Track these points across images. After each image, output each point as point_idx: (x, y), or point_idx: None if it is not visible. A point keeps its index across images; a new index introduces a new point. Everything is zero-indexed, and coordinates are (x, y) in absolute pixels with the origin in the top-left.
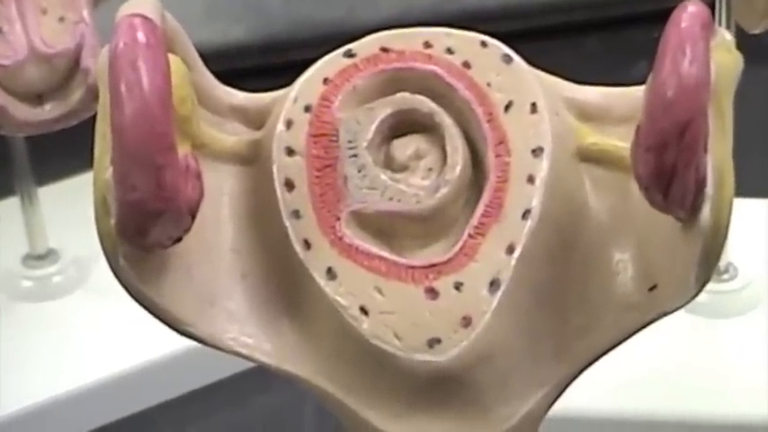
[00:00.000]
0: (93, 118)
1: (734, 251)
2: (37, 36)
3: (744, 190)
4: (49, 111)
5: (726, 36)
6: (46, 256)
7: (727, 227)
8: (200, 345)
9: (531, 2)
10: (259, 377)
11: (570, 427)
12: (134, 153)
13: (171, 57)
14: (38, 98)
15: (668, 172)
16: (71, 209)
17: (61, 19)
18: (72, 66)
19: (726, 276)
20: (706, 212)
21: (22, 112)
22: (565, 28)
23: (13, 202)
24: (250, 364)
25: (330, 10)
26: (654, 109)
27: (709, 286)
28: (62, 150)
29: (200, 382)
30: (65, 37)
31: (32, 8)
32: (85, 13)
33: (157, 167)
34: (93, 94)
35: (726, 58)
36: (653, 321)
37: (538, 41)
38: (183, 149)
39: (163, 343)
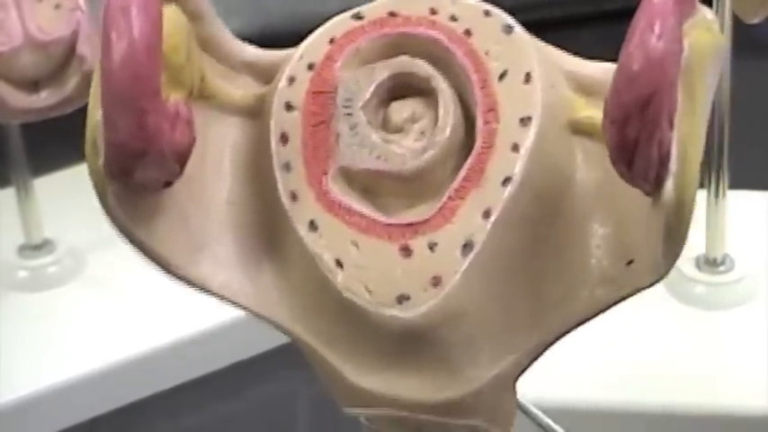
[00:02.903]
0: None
1: (731, 243)
2: (32, 23)
3: (740, 182)
4: (44, 98)
5: (707, 15)
6: (41, 247)
7: (691, 204)
8: (193, 336)
9: None
10: (253, 368)
11: (564, 419)
12: (118, 95)
13: (169, 7)
14: (33, 85)
15: (630, 145)
16: (67, 199)
17: (57, 6)
18: (68, 53)
19: (722, 268)
20: (669, 188)
21: (18, 99)
22: (560, 21)
23: (8, 193)
24: (245, 355)
25: (327, 3)
26: (619, 82)
27: (706, 278)
28: (58, 141)
29: (194, 373)
30: (60, 24)
31: None
32: (81, 1)
33: (140, 110)
34: (88, 82)
35: (703, 37)
36: (628, 296)
37: (533, 35)
38: (174, 96)
39: (157, 334)
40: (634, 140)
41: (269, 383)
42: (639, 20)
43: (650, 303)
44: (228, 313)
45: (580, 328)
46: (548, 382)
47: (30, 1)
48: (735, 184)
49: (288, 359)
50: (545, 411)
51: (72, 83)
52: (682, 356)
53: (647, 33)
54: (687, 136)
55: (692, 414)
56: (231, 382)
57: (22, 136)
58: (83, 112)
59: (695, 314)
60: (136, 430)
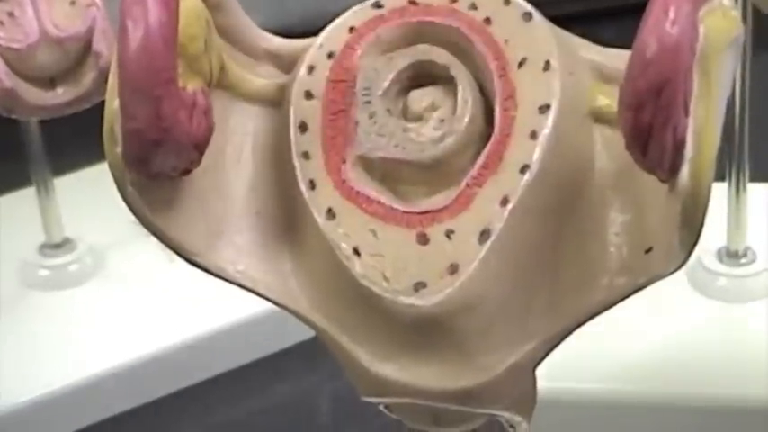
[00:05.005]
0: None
1: (752, 235)
2: (48, 20)
3: (760, 175)
4: (61, 94)
5: (723, 1)
6: (62, 245)
7: (707, 190)
8: (214, 332)
9: None
10: (276, 364)
11: (584, 409)
12: (134, 84)
13: None
14: (50, 82)
15: (645, 131)
16: (87, 198)
17: (72, 3)
18: (84, 49)
19: (744, 260)
20: (684, 174)
21: (34, 95)
22: (582, 16)
23: (29, 193)
24: (267, 351)
25: (346, 0)
26: (633, 68)
27: (728, 270)
28: (78, 141)
29: (217, 370)
30: (76, 20)
31: None
32: None
33: (155, 98)
34: (104, 78)
35: (719, 23)
36: (647, 284)
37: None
38: (192, 85)
39: (178, 331)
40: (648, 126)
41: (290, 380)
42: (654, 6)
43: (672, 295)
44: (249, 310)
45: (600, 319)
46: (566, 372)
47: None
48: (755, 177)
49: (309, 355)
50: (564, 402)
51: (88, 79)
52: (703, 348)
53: (662, 19)
54: (703, 122)
55: (713, 405)
56: (253, 379)
57: (43, 136)
58: (102, 110)
59: (717, 306)
60: (159, 427)
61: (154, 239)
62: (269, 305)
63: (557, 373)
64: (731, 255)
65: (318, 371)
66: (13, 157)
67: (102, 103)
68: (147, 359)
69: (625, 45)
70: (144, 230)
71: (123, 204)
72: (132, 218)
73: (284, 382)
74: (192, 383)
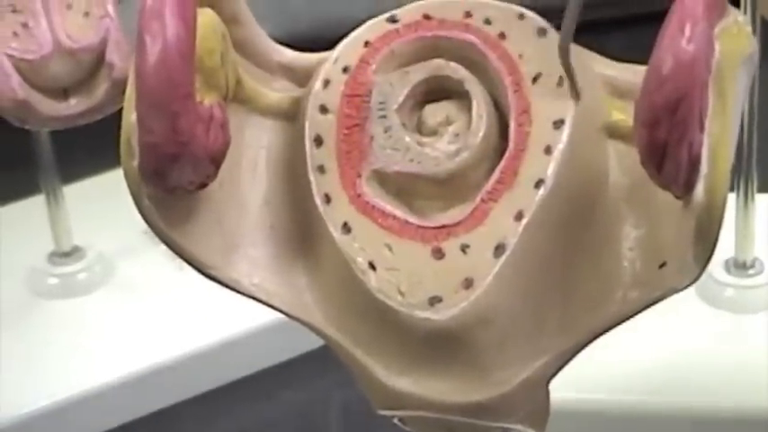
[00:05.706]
0: (118, 117)
1: (760, 246)
2: (62, 31)
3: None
4: (74, 105)
5: (738, 18)
6: (71, 254)
7: (722, 206)
8: (223, 341)
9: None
10: (284, 373)
11: (591, 419)
12: (151, 98)
13: (203, 10)
14: (63, 93)
15: (660, 147)
16: (96, 206)
17: (86, 14)
18: (97, 60)
19: (752, 271)
20: (699, 190)
21: (47, 106)
22: (589, 25)
23: (38, 201)
24: (275, 360)
25: (354, 7)
26: (649, 84)
27: (736, 281)
28: (87, 149)
29: (225, 379)
30: (89, 32)
31: (57, 3)
32: (110, 8)
33: (173, 113)
34: (117, 89)
35: (734, 40)
36: (661, 299)
37: None
38: (209, 99)
39: (187, 339)
40: (663, 143)
41: (300, 388)
42: (670, 23)
43: (680, 306)
44: (258, 318)
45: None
46: (576, 383)
47: (59, 9)
48: (763, 188)
49: (319, 363)
50: (574, 413)
51: (101, 90)
52: (711, 359)
53: (678, 36)
54: (718, 138)
55: (720, 416)
56: (262, 387)
57: (52, 143)
58: (112, 119)
59: (725, 317)
60: None
61: (163, 248)
62: (277, 314)
63: (567, 384)
64: (739, 266)
65: (327, 379)
66: (22, 165)
67: (114, 112)
68: (156, 368)
69: (634, 55)
70: (153, 239)
71: (133, 213)
72: (144, 227)
73: (293, 391)
74: (200, 393)
